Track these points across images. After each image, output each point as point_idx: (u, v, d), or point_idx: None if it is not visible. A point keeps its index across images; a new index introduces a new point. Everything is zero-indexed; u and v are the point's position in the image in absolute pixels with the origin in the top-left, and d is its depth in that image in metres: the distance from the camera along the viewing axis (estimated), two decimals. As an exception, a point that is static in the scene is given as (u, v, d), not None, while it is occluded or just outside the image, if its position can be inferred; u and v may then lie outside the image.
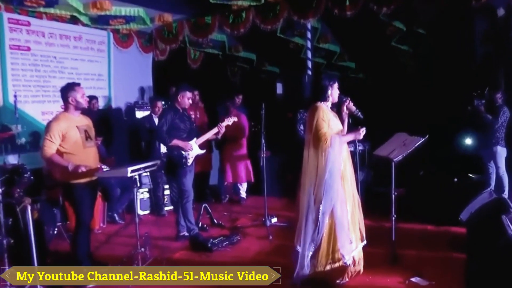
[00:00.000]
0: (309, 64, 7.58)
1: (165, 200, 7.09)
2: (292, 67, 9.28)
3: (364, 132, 4.09)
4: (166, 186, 6.92)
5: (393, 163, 4.47)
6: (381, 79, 9.53)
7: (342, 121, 4.22)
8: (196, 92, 7.17)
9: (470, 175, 6.46)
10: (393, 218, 4.58)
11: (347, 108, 4.26)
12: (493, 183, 6.23)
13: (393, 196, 4.54)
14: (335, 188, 3.91)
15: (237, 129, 6.92)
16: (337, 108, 4.25)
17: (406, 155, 4.45)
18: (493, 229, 3.84)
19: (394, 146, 4.62)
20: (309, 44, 7.72)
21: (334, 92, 4.09)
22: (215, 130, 5.68)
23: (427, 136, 4.45)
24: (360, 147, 6.19)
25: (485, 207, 4.56)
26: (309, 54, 7.67)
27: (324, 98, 4.04)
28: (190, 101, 5.60)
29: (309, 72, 7.55)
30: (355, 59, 10.40)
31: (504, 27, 6.32)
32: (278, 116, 7.69)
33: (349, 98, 4.26)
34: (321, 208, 3.90)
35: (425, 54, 8.86)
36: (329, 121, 3.94)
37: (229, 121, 5.82)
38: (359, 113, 4.27)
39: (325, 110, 4.00)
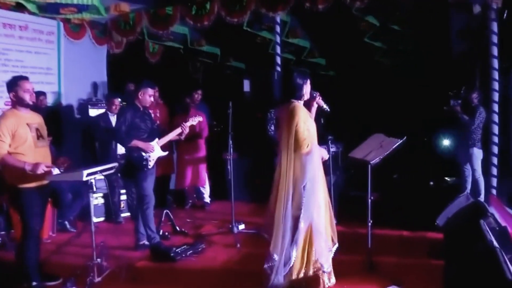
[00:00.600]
0: (278, 60, 7.64)
1: (122, 206, 6.99)
2: (259, 63, 9.33)
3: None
4: (123, 191, 6.84)
5: (369, 166, 4.57)
6: (353, 77, 9.70)
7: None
8: (155, 89, 7.09)
9: (446, 178, 6.67)
10: (369, 224, 4.68)
11: (317, 103, 4.37)
12: (469, 186, 6.42)
13: (369, 201, 4.64)
14: (315, 194, 3.97)
15: (194, 129, 6.86)
16: (306, 104, 4.33)
17: (383, 158, 4.56)
18: (471, 234, 3.99)
19: (371, 148, 4.69)
20: (278, 39, 7.77)
21: (307, 90, 4.17)
22: (178, 130, 5.66)
23: (405, 138, 4.57)
24: (333, 149, 6.29)
25: (462, 211, 4.73)
26: (278, 50, 7.72)
27: (299, 96, 4.10)
28: (152, 98, 5.55)
29: (278, 69, 7.62)
30: (326, 56, 10.56)
31: (479, 25, 6.56)
32: (246, 115, 7.71)
33: (318, 93, 4.38)
34: (300, 214, 3.94)
35: (399, 52, 9.09)
36: (306, 122, 4.00)
37: (194, 120, 5.86)
38: (327, 108, 4.43)
39: (303, 110, 4.06)
